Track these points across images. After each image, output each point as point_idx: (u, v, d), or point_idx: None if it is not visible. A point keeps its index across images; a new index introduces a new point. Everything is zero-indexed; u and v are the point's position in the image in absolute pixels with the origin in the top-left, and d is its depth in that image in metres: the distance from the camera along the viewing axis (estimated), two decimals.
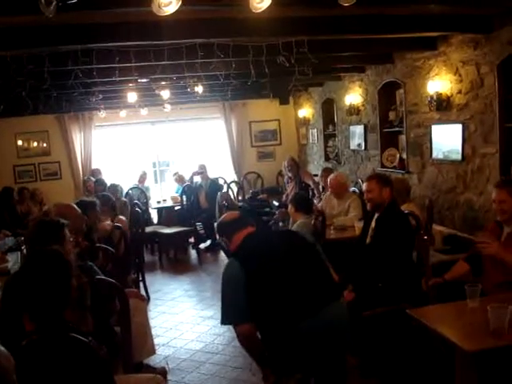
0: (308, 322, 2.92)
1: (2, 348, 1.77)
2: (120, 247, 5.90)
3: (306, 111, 11.87)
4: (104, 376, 2.32)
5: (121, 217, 6.46)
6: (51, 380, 2.19)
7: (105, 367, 2.36)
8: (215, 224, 3.84)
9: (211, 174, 10.91)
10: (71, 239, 3.67)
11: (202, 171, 10.63)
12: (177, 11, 2.85)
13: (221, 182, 11.39)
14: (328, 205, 6.72)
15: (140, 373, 3.92)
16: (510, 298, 3.06)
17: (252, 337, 3.09)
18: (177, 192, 11.05)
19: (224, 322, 3.17)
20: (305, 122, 12.00)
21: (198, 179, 10.80)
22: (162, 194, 11.94)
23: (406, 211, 4.79)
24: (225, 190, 10.88)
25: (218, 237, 3.60)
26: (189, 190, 10.38)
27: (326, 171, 8.23)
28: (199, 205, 10.37)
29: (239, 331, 3.08)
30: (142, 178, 11.22)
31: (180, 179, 11.16)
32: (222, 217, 3.54)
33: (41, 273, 2.46)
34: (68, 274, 2.53)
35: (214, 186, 10.71)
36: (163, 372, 4.54)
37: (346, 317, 3.13)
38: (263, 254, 3.09)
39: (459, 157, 6.10)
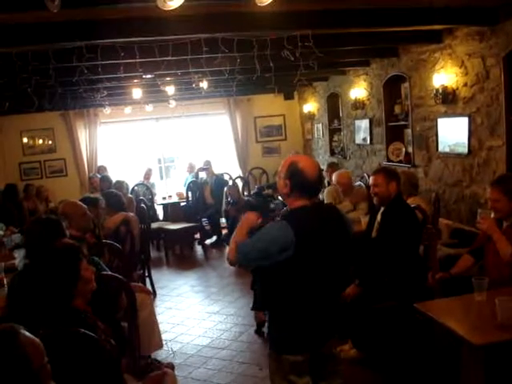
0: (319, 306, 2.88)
1: (29, 334, 1.78)
2: (126, 243, 5.92)
3: (310, 106, 11.85)
4: (111, 369, 2.32)
5: (131, 214, 6.48)
6: (59, 373, 2.20)
7: (112, 361, 2.36)
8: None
9: (216, 170, 10.92)
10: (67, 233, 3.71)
11: (207, 167, 10.65)
12: (181, 6, 2.85)
13: (226, 177, 11.39)
14: (335, 198, 6.79)
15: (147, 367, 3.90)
16: None
17: None
18: (186, 181, 11.09)
19: (240, 256, 2.82)
20: (310, 117, 11.98)
21: (203, 175, 10.81)
22: (168, 190, 11.95)
23: (413, 205, 4.78)
24: (231, 184, 10.76)
25: (282, 176, 2.83)
26: (194, 185, 10.39)
27: (331, 166, 8.24)
28: (205, 201, 10.38)
29: (231, 260, 2.87)
30: (148, 175, 11.25)
31: (190, 168, 11.23)
32: (307, 165, 2.78)
33: (49, 264, 2.51)
34: (76, 265, 2.58)
35: (220, 181, 10.72)
36: (170, 367, 4.54)
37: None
38: (316, 228, 2.78)
39: (465, 150, 6.07)
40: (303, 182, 2.77)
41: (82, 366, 2.22)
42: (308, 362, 2.94)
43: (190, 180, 10.69)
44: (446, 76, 6.26)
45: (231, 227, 9.09)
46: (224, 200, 9.82)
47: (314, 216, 2.82)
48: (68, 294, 2.54)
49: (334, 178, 6.85)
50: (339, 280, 3.00)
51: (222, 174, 11.18)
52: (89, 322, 2.49)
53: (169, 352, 5.19)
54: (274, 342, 2.95)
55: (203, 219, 10.26)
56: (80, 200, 4.95)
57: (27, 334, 1.77)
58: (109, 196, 6.29)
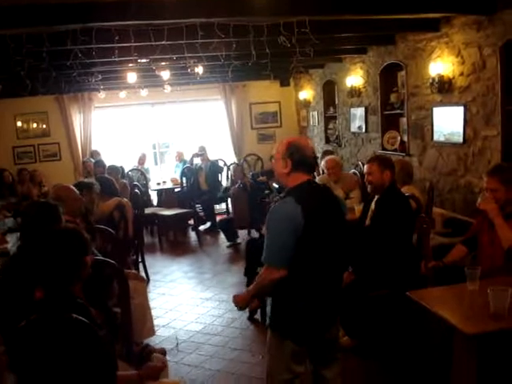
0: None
1: None
2: (120, 228, 5.91)
3: (306, 93, 11.80)
4: (104, 356, 2.32)
5: (125, 199, 6.46)
6: (52, 360, 2.19)
7: (105, 347, 2.36)
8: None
9: (211, 156, 10.89)
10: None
11: (202, 153, 10.61)
12: None
13: (221, 163, 11.38)
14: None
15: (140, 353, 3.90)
16: (510, 281, 3.06)
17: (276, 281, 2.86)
18: (176, 168, 11.05)
19: (271, 263, 2.83)
20: (305, 104, 11.94)
21: (197, 161, 10.79)
22: (162, 176, 11.93)
23: (407, 194, 4.78)
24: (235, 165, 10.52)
25: (280, 155, 2.95)
26: (189, 171, 10.36)
27: (326, 154, 8.21)
28: (199, 187, 10.37)
29: (274, 275, 2.82)
30: (142, 160, 11.21)
31: (179, 156, 11.21)
32: (305, 144, 2.99)
33: (57, 247, 2.50)
34: (83, 250, 2.58)
35: (214, 167, 10.70)
36: (162, 352, 4.55)
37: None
38: (318, 203, 2.89)
39: (460, 139, 6.06)
40: (303, 158, 2.92)
41: (74, 352, 2.21)
42: (308, 350, 2.98)
43: (181, 168, 10.68)
44: (442, 65, 6.23)
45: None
46: (230, 179, 9.84)
47: (316, 191, 2.98)
48: (72, 278, 2.52)
49: (322, 163, 6.84)
50: (341, 260, 3.06)
51: (216, 160, 11.15)
52: (83, 308, 2.48)
53: (164, 338, 5.19)
54: (281, 326, 2.97)
55: (197, 205, 10.26)
56: (74, 185, 4.92)
57: None
58: (101, 181, 6.27)
